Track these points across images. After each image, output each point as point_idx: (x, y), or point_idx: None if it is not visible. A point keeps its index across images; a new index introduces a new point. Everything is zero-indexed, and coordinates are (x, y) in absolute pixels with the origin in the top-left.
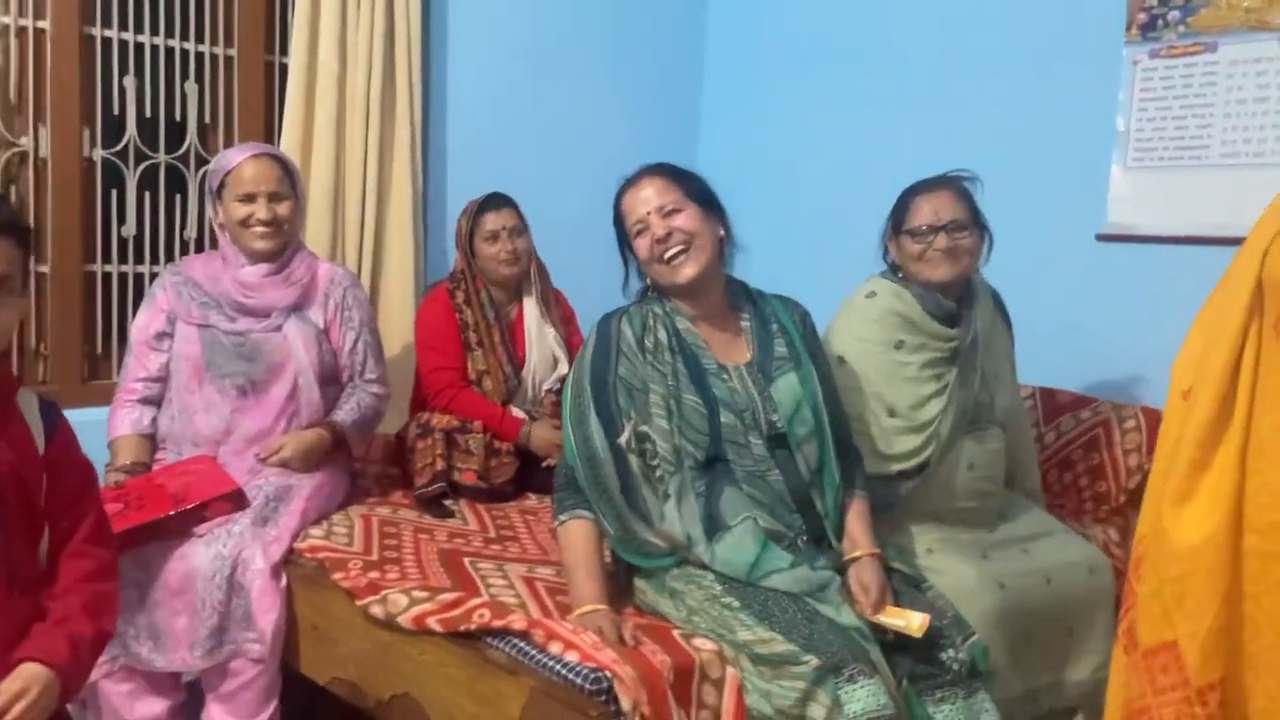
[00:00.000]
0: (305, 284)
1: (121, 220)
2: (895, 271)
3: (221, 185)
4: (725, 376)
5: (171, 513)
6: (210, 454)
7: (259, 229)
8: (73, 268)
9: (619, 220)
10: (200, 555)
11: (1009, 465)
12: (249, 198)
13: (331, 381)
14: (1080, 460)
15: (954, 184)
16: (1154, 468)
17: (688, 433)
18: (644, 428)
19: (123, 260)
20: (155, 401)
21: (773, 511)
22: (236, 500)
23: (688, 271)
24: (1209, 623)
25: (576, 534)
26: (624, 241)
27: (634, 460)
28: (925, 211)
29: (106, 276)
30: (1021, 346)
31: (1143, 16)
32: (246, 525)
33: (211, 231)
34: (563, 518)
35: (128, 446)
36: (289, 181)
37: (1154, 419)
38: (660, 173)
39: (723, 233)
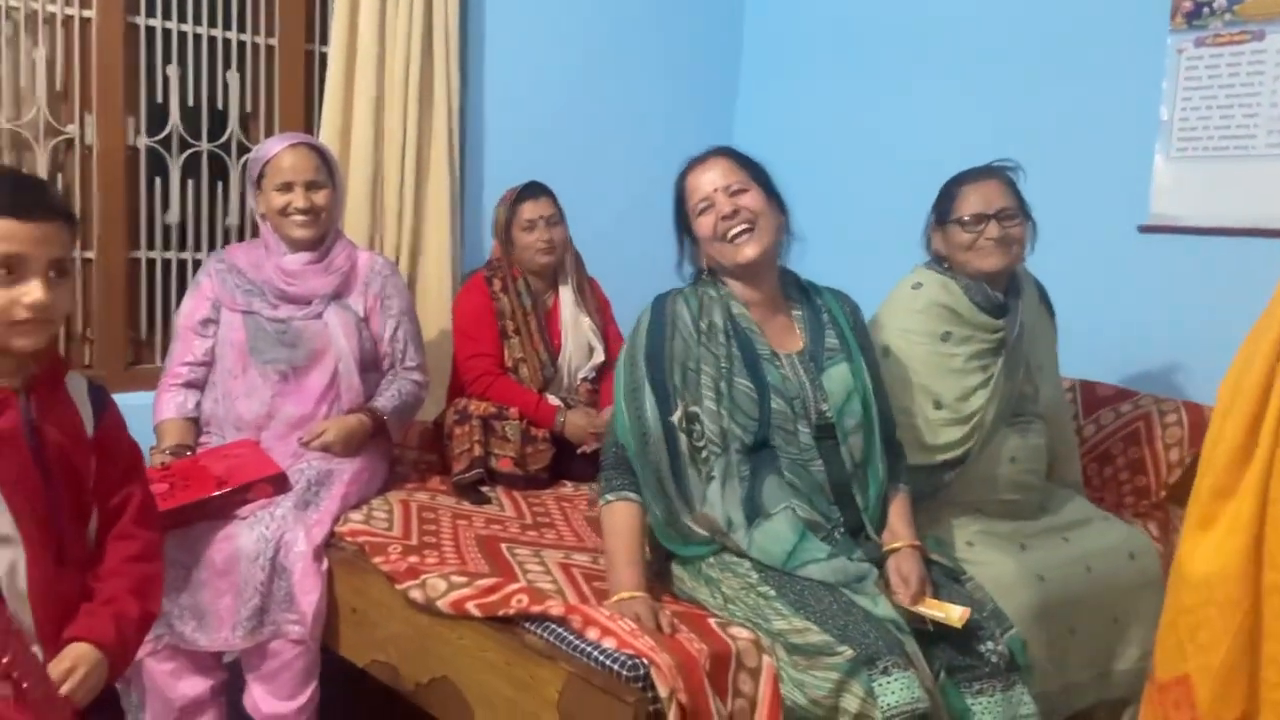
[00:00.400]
0: (345, 272)
1: (165, 207)
2: (940, 262)
3: (261, 175)
4: (778, 363)
5: (216, 493)
6: (253, 438)
7: (297, 218)
8: (118, 254)
9: (680, 199)
10: (244, 537)
11: (1050, 457)
12: (287, 186)
13: (371, 368)
14: (1120, 454)
15: (1000, 173)
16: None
17: (737, 416)
18: (694, 408)
19: (166, 247)
20: (200, 386)
21: (811, 501)
22: (279, 484)
23: (749, 251)
24: (1221, 657)
25: (621, 516)
26: (682, 222)
27: (683, 439)
28: (974, 200)
29: (150, 263)
30: (1062, 338)
31: (1188, 4)
32: (289, 508)
33: (253, 219)
34: (609, 497)
35: (173, 429)
36: (326, 170)
37: (1196, 414)
38: (727, 154)
39: (780, 222)
